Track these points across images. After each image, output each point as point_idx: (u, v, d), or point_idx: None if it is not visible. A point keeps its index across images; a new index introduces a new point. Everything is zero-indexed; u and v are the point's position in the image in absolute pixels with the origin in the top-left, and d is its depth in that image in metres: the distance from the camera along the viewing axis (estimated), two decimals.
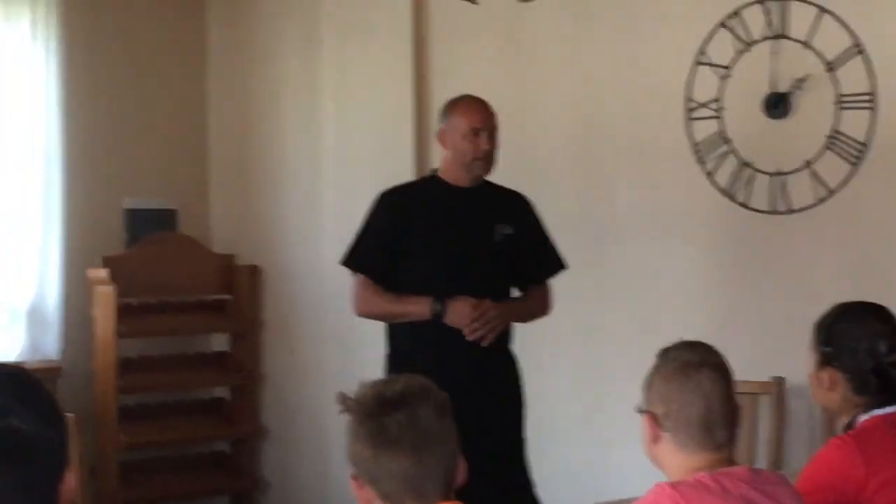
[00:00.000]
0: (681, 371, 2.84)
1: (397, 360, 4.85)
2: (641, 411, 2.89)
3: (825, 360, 3.37)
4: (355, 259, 4.92)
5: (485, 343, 4.74)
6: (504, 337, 4.89)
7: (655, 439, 2.86)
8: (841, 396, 3.36)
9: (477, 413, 4.63)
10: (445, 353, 4.72)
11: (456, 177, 4.85)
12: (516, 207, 4.97)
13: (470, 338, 4.71)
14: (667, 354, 2.90)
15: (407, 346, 4.84)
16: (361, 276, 4.89)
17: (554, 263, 5.05)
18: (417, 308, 4.75)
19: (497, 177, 4.98)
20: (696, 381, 2.82)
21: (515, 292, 5.01)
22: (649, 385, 2.89)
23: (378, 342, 4.97)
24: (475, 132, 4.77)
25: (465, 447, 2.63)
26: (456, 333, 4.73)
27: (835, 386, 3.36)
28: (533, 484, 4.93)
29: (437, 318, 4.71)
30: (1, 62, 6.35)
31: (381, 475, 2.51)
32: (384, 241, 4.85)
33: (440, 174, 4.92)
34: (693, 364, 2.84)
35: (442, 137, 4.87)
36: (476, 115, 4.80)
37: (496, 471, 4.73)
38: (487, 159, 4.81)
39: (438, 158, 5.00)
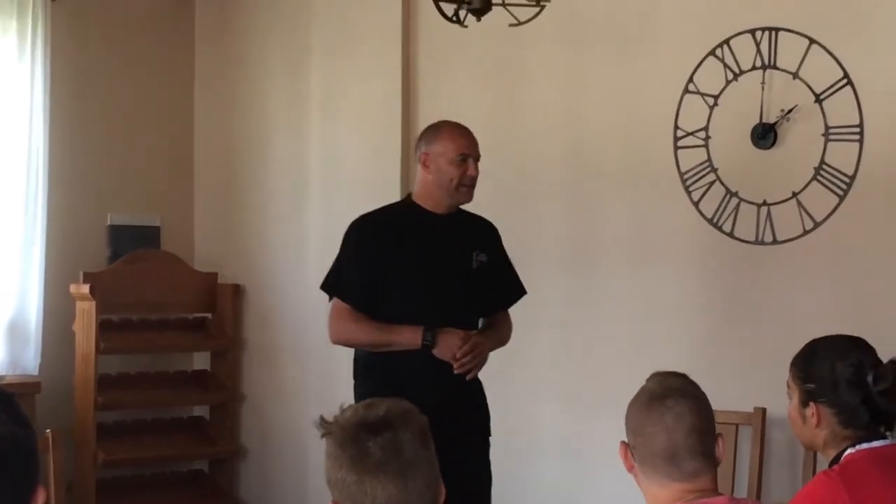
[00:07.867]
0: (645, 404, 2.88)
1: (366, 370, 4.77)
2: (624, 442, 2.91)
3: (809, 397, 3.34)
4: (338, 286, 4.82)
5: (470, 377, 4.71)
6: None
7: (630, 469, 2.91)
8: (829, 431, 3.33)
9: (444, 436, 4.58)
10: (421, 375, 4.62)
11: (435, 203, 4.79)
12: (486, 234, 4.95)
13: (457, 371, 4.65)
14: (644, 385, 2.91)
15: (375, 357, 4.75)
16: (340, 304, 4.79)
17: (517, 289, 5.04)
18: (407, 338, 4.67)
19: (484, 203, 4.99)
20: (658, 414, 2.84)
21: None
22: (626, 415, 2.94)
23: None
24: (464, 158, 4.74)
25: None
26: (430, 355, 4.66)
27: (822, 422, 3.33)
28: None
29: (427, 348, 4.65)
30: None
31: (365, 501, 2.45)
32: (367, 269, 4.76)
33: (416, 199, 4.85)
34: (657, 396, 2.87)
35: (424, 161, 4.80)
36: (464, 140, 4.77)
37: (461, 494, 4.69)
38: (473, 186, 4.78)
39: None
